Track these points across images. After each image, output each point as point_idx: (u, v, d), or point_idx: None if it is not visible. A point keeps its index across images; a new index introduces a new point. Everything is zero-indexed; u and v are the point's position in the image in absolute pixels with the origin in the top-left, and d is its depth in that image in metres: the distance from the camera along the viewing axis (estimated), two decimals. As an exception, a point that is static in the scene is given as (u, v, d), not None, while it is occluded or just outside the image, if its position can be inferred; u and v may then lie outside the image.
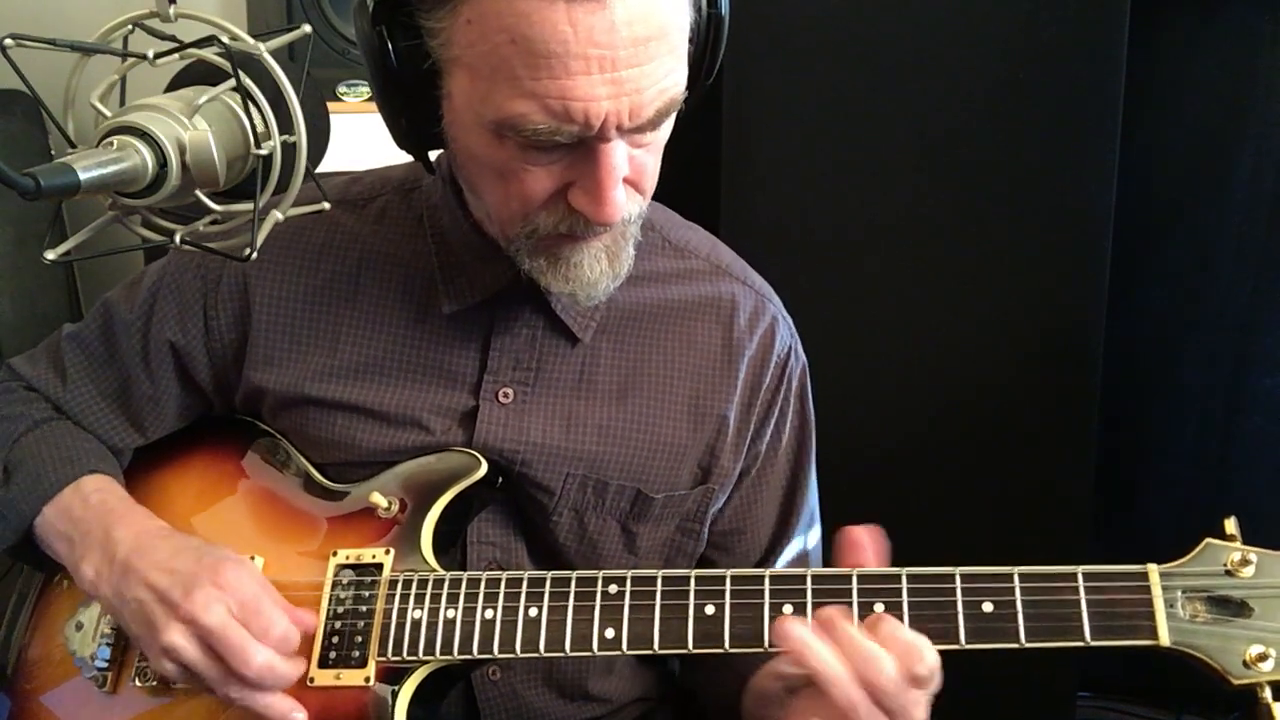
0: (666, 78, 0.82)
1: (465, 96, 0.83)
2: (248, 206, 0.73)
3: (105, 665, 1.02)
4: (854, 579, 0.86)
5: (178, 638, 0.89)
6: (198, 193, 0.73)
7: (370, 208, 1.07)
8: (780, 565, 1.12)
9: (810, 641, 0.80)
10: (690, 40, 0.86)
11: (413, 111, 0.86)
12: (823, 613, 0.83)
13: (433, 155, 0.96)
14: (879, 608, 0.85)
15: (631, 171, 0.86)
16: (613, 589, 0.90)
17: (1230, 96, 1.88)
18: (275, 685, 0.90)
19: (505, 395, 1.02)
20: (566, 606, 0.91)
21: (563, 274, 0.91)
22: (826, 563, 0.90)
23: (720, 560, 1.12)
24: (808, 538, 1.15)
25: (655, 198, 1.03)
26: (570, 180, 0.85)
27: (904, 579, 0.85)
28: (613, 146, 0.82)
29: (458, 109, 0.85)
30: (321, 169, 0.80)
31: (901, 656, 0.79)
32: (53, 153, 1.99)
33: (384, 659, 0.93)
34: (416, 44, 0.82)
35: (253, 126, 0.72)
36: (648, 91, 0.80)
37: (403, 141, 0.90)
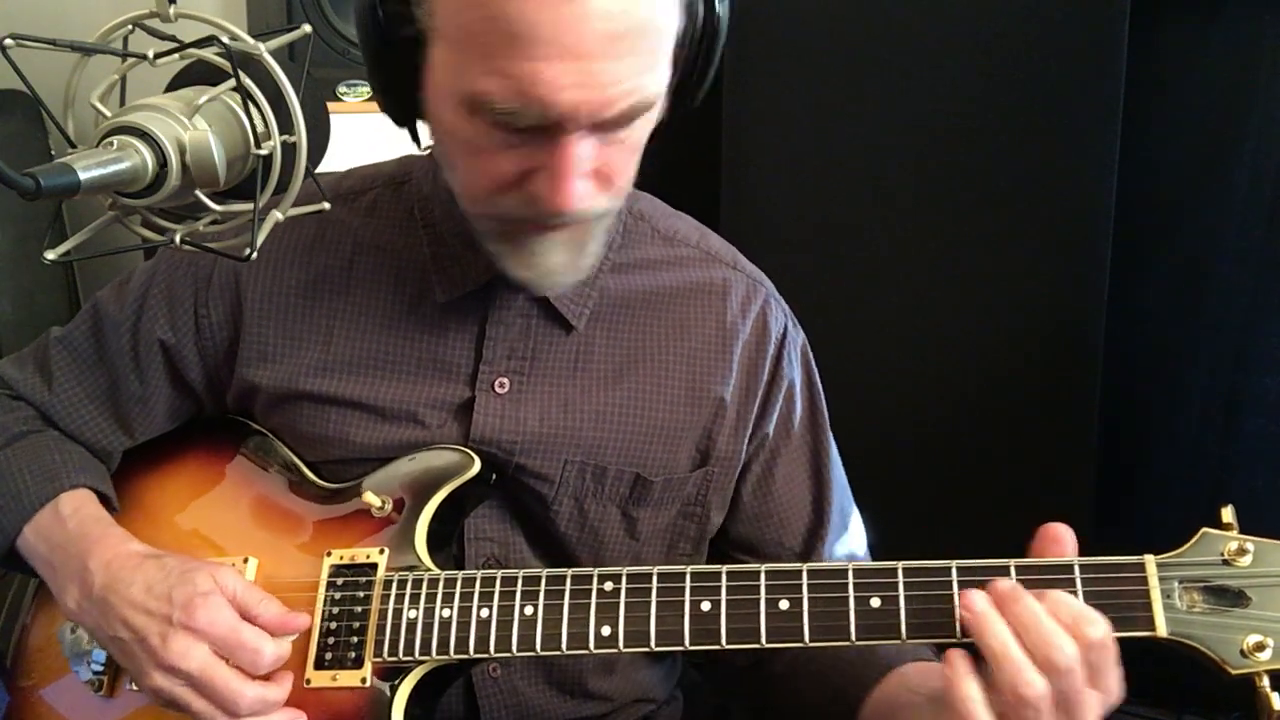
0: (638, 78, 0.81)
1: (443, 68, 0.83)
2: (248, 206, 0.73)
3: (100, 669, 1.02)
4: (850, 573, 0.86)
5: (162, 682, 0.89)
6: (198, 193, 0.73)
7: (361, 201, 1.07)
8: (829, 552, 1.11)
9: (991, 620, 0.77)
10: (681, 46, 0.85)
11: (398, 79, 0.86)
12: (998, 587, 0.80)
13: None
14: (875, 602, 0.85)
15: (601, 165, 0.86)
16: (608, 586, 0.90)
17: (1230, 96, 1.88)
18: (269, 711, 0.90)
19: (501, 385, 1.02)
20: (562, 605, 0.91)
21: (523, 261, 0.91)
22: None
23: (753, 557, 1.11)
24: (850, 531, 1.13)
25: (654, 194, 1.03)
26: (534, 166, 0.85)
27: (900, 572, 0.85)
28: (576, 138, 0.82)
29: (436, 80, 0.85)
30: (321, 169, 0.81)
31: (1071, 627, 0.76)
32: (53, 153, 1.98)
33: (380, 659, 0.93)
34: (405, 11, 0.82)
35: (253, 126, 0.72)
36: (614, 89, 0.80)
37: (390, 110, 0.90)
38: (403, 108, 0.90)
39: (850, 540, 1.14)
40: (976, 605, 0.79)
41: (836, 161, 1.70)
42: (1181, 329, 2.01)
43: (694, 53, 0.87)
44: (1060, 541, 0.85)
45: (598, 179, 0.87)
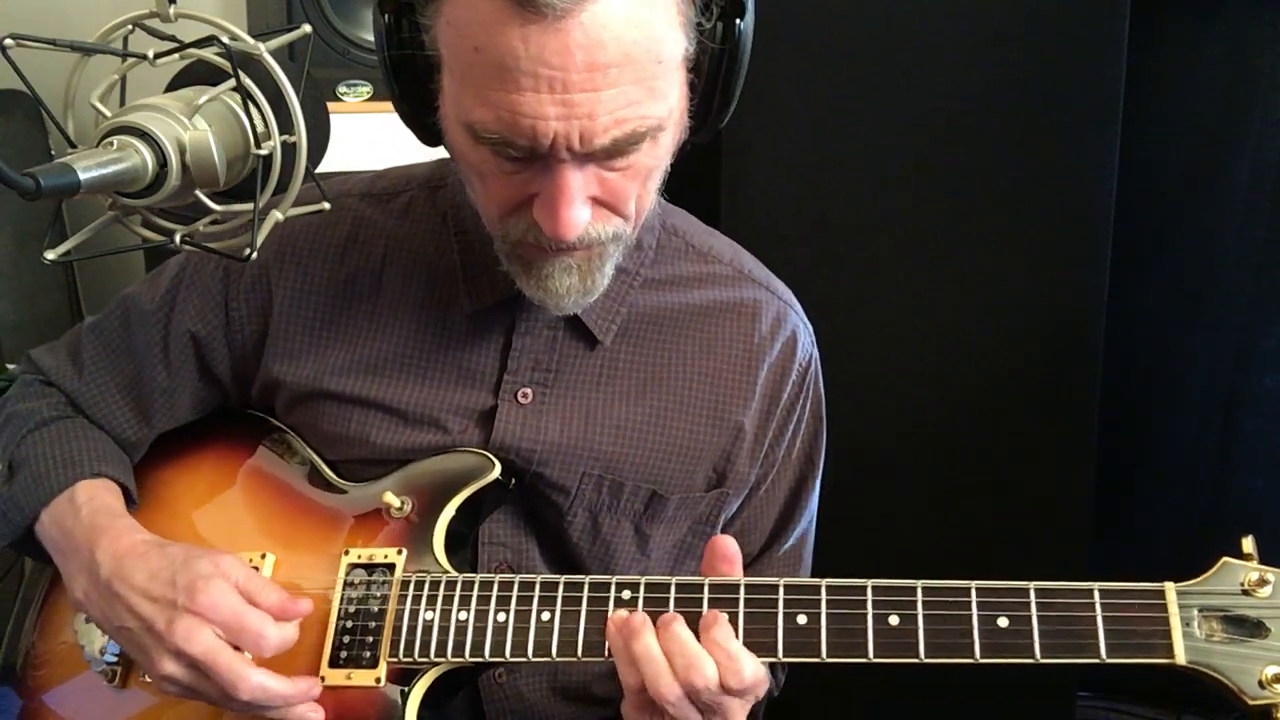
0: (628, 107, 0.80)
1: (448, 95, 0.85)
2: (248, 206, 0.73)
3: (114, 660, 1.01)
4: (869, 590, 0.86)
5: (170, 667, 0.88)
6: (198, 193, 0.73)
7: (395, 202, 1.07)
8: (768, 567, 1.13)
9: (641, 634, 0.85)
10: (696, 69, 0.85)
11: (415, 103, 0.88)
12: (662, 617, 0.87)
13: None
14: (894, 620, 0.84)
15: (604, 193, 0.86)
16: (626, 595, 0.89)
17: (1230, 96, 1.89)
18: (273, 703, 0.89)
19: (524, 395, 1.02)
20: (579, 612, 0.90)
21: (534, 282, 0.92)
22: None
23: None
24: (802, 542, 1.15)
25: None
26: (534, 192, 0.85)
27: (919, 591, 0.85)
28: (569, 166, 0.82)
29: (447, 105, 0.86)
30: (321, 169, 0.80)
31: (723, 664, 0.83)
32: (53, 153, 1.98)
33: (395, 660, 0.93)
34: (417, 39, 0.83)
35: (253, 126, 0.72)
36: (601, 119, 0.79)
37: (418, 134, 0.91)
38: (427, 131, 0.91)
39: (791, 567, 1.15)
40: (627, 625, 0.86)
41: (836, 161, 1.70)
42: (1181, 329, 2.01)
43: (713, 75, 0.86)
44: (729, 559, 0.90)
45: (600, 206, 0.87)
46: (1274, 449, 1.98)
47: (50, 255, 0.71)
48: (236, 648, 0.89)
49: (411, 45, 0.84)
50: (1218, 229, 1.94)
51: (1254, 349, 1.97)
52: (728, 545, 0.90)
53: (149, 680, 1.00)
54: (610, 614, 0.88)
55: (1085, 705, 2.12)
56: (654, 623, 0.86)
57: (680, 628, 0.85)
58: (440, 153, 0.95)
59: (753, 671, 0.84)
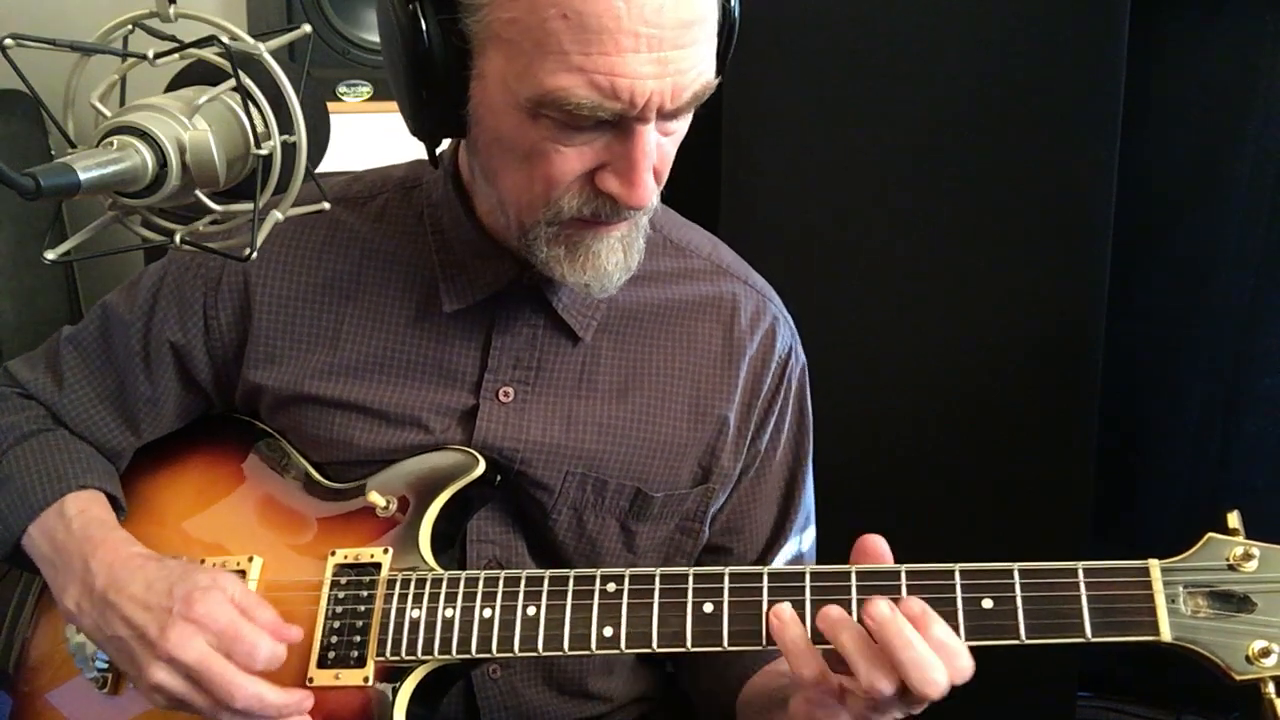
0: (704, 63, 0.83)
1: (500, 74, 0.83)
2: (248, 206, 0.73)
3: (106, 666, 1.02)
4: (852, 576, 0.86)
5: (162, 675, 0.88)
6: (198, 193, 0.73)
7: (370, 206, 1.07)
8: (776, 565, 1.12)
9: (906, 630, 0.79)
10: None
11: (436, 93, 0.86)
12: (871, 609, 0.81)
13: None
14: None
15: (658, 159, 0.87)
16: (611, 587, 0.90)
17: (1230, 96, 1.88)
18: (266, 713, 0.89)
19: (505, 394, 1.02)
20: (564, 605, 0.91)
21: (580, 263, 0.91)
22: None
23: (718, 563, 1.11)
24: (803, 539, 1.15)
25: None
26: (602, 162, 0.85)
27: (903, 575, 0.85)
28: (649, 129, 0.83)
29: (490, 89, 0.85)
30: (321, 169, 0.80)
31: (949, 661, 0.79)
32: (53, 153, 1.99)
33: (383, 658, 0.93)
34: (450, 20, 0.82)
35: (253, 126, 0.72)
36: (688, 74, 0.81)
37: (419, 127, 0.90)
38: (436, 125, 0.90)
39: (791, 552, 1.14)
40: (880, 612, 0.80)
41: (836, 161, 1.70)
42: (1181, 329, 2.01)
43: (721, 45, 0.88)
44: (879, 556, 0.86)
45: (653, 172, 0.87)
46: (1274, 449, 1.98)
47: (50, 255, 0.71)
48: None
49: (440, 35, 0.83)
50: (1218, 229, 1.93)
51: (1254, 349, 1.96)
52: (872, 541, 0.87)
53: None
54: (821, 611, 0.83)
55: (1085, 705, 2.12)
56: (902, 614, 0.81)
57: (904, 628, 0.80)
58: (418, 153, 0.94)
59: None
